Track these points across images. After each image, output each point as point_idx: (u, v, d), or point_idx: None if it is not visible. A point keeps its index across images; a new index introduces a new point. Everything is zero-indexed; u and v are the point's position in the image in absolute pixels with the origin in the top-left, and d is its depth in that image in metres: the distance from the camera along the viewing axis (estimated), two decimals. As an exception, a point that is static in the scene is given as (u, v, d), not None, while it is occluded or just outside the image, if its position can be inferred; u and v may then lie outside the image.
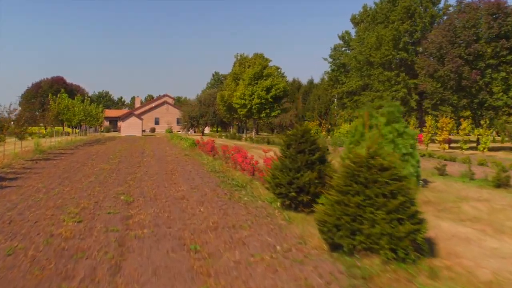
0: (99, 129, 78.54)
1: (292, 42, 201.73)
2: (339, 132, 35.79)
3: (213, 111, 64.07)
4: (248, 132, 59.70)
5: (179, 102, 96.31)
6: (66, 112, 27.71)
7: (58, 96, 25.86)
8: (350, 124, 36.14)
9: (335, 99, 70.84)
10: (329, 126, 45.45)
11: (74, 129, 50.42)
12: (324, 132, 40.34)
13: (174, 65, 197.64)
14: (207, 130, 74.96)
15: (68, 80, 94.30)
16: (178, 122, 78.72)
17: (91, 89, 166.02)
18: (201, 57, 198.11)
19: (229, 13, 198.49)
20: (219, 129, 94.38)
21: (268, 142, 28.35)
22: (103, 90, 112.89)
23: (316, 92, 78.20)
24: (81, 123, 38.99)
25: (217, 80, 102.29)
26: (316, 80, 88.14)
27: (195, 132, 76.03)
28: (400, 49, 36.48)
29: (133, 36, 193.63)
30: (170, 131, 78.13)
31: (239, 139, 36.25)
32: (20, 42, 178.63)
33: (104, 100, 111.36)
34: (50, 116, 25.03)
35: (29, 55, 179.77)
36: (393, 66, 37.82)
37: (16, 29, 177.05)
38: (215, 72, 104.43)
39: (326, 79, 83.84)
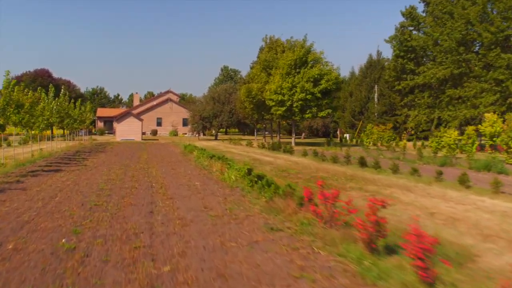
0: (92, 131, 66.55)
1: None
2: (440, 143, 23.94)
3: (229, 110, 52.31)
4: (273, 135, 48.01)
5: (184, 100, 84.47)
6: (15, 112, 15.87)
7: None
8: (459, 130, 24.36)
9: (375, 95, 59.14)
10: (412, 132, 33.45)
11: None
12: (404, 141, 28.51)
13: (175, 61, 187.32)
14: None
15: (56, 74, 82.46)
16: (184, 123, 66.79)
17: (85, 86, 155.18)
18: (202, 54, 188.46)
19: (230, 12, 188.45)
20: (229, 131, 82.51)
21: (382, 166, 16.39)
22: (97, 86, 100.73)
23: (347, 89, 66.59)
24: (54, 127, 27.26)
25: (227, 75, 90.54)
26: (343, 74, 76.82)
27: (204, 135, 64.25)
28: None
29: (132, 32, 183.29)
30: (175, 133, 66.11)
31: (290, 151, 24.31)
32: (17, 40, 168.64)
33: (99, 97, 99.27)
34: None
35: (24, 52, 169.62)
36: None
37: (14, 26, 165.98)
38: (224, 66, 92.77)
39: (357, 73, 72.06)
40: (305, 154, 21.97)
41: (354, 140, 42.99)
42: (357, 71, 74.11)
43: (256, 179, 10.63)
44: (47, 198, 9.42)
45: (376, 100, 58.53)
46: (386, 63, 48.02)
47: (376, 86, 59.17)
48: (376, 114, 57.80)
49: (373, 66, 64.34)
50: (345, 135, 57.61)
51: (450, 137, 23.36)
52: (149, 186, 11.47)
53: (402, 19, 37.98)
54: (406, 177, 13.74)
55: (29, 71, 67.91)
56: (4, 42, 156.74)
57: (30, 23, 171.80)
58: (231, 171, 12.76)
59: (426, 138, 41.21)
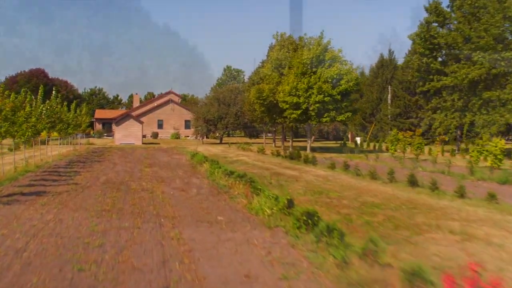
0: (91, 133, 63.55)
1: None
2: (482, 153, 21.03)
3: (235, 112, 49.45)
4: (286, 139, 45.24)
5: (185, 101, 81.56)
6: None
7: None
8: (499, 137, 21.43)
9: (389, 97, 56.29)
10: (446, 138, 30.40)
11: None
12: (438, 148, 25.47)
13: (175, 61, 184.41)
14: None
15: (53, 74, 79.54)
16: (187, 126, 63.88)
17: (83, 86, 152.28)
18: (201, 53, 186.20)
19: (230, 12, 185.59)
20: (233, 133, 79.60)
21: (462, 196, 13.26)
22: (95, 87, 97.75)
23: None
24: (49, 133, 24.43)
25: (230, 76, 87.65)
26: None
27: (206, 137, 61.31)
28: None
29: (131, 31, 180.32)
30: (177, 136, 63.22)
31: (312, 162, 21.36)
32: (16, 40, 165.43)
33: (97, 98, 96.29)
34: None
35: (23, 52, 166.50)
36: None
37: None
38: (227, 66, 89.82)
39: (367, 73, 69.19)
40: (332, 166, 19.01)
41: (371, 145, 40.00)
42: (366, 72, 71.21)
43: (305, 218, 7.72)
44: (10, 254, 6.46)
45: (389, 101, 55.69)
46: (400, 62, 44.88)
47: (389, 87, 56.34)
48: (389, 116, 54.96)
49: (385, 66, 61.46)
50: (356, 138, 54.72)
51: (495, 146, 20.51)
52: (157, 225, 8.52)
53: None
54: (482, 205, 10.82)
55: (23, 71, 64.93)
56: (4, 42, 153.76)
57: (29, 23, 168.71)
58: (262, 200, 9.83)
59: (445, 142, 38.29)
